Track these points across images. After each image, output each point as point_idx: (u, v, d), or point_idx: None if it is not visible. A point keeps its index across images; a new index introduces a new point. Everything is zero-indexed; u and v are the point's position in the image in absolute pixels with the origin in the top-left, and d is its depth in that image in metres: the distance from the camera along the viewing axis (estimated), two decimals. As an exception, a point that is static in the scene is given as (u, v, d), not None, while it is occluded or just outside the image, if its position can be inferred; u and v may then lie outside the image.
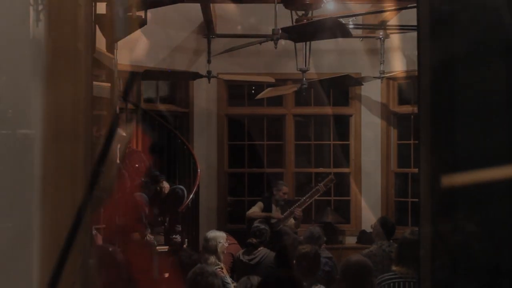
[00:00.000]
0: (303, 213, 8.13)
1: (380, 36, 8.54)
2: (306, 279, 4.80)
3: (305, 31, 6.15)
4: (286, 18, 6.48)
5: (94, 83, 3.11)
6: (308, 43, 7.07)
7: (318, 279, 5.05)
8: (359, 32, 8.62)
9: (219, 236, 6.28)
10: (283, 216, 7.93)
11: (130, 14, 5.29)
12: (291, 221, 8.02)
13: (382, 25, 8.25)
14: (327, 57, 8.73)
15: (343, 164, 9.24)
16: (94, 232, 3.32)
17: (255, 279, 5.40)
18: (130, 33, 5.45)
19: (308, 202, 8.08)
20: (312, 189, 8.17)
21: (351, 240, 9.07)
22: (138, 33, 5.65)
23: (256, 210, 8.07)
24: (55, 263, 1.80)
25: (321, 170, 9.23)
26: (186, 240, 7.26)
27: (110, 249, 4.36)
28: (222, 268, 6.07)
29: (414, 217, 8.69)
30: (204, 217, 8.66)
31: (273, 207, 8.13)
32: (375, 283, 4.41)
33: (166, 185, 7.46)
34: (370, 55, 9.04)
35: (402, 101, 9.22)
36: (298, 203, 8.03)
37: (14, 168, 2.31)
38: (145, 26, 5.47)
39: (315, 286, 4.81)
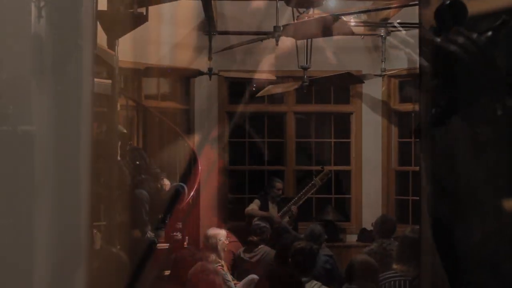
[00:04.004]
0: (302, 210, 8.13)
1: (382, 34, 8.52)
2: (302, 275, 4.76)
3: (307, 29, 6.15)
4: (287, 15, 6.48)
5: (95, 80, 3.10)
6: (309, 40, 7.06)
7: (315, 276, 5.02)
8: (360, 29, 8.60)
9: (220, 234, 6.29)
10: (280, 213, 7.94)
11: (132, 10, 5.30)
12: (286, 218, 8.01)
13: (384, 23, 8.23)
14: (328, 55, 8.71)
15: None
16: (94, 231, 3.32)
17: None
18: (131, 30, 5.46)
19: (305, 198, 8.07)
20: (308, 184, 8.16)
21: (351, 238, 9.06)
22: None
23: (254, 207, 8.06)
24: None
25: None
26: (187, 237, 7.26)
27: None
28: (222, 266, 6.08)
29: (414, 215, 8.69)
30: (204, 214, 8.65)
31: (270, 204, 8.13)
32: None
33: (166, 183, 7.45)
34: (371, 52, 9.02)
35: (403, 99, 9.20)
36: (295, 199, 8.03)
37: (14, 165, 2.30)
38: (146, 22, 5.48)
39: (310, 282, 4.79)
